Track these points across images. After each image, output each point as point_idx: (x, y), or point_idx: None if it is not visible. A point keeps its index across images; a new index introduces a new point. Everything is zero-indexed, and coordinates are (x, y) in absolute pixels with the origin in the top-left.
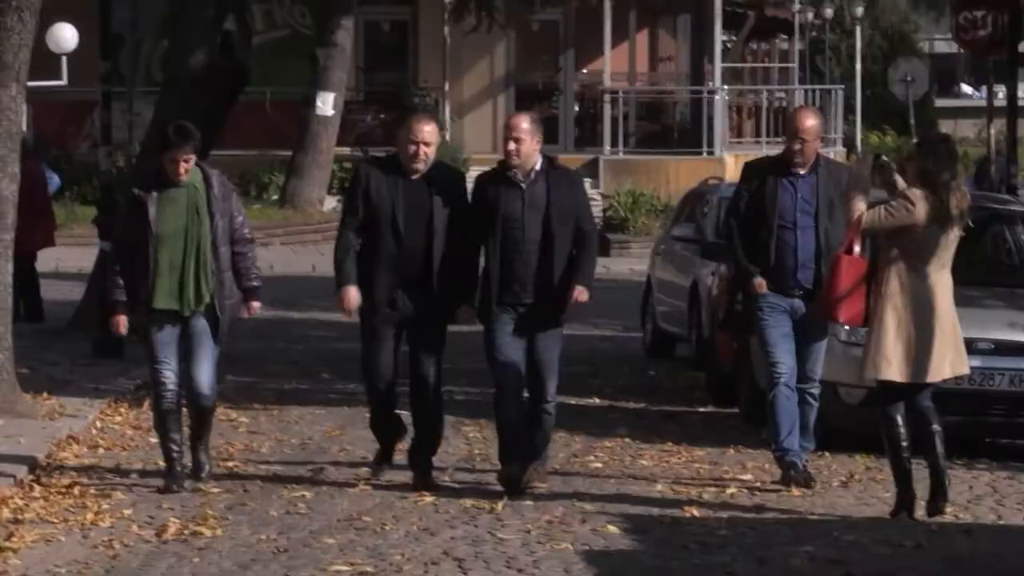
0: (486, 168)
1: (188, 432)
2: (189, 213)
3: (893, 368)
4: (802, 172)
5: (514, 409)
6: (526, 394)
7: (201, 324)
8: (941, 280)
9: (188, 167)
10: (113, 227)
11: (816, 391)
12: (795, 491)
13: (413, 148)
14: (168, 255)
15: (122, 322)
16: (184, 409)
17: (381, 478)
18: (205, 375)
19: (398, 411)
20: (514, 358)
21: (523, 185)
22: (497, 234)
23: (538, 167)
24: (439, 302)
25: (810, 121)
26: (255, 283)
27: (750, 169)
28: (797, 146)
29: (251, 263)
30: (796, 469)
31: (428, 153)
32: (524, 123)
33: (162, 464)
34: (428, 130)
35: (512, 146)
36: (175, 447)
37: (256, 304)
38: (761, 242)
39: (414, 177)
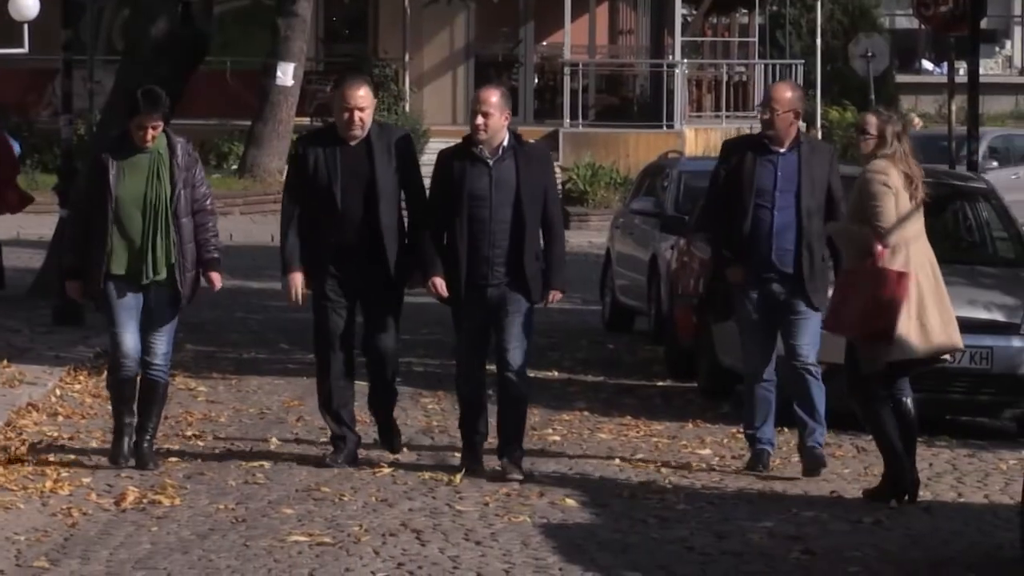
0: (446, 140)
1: (136, 416)
2: (150, 179)
3: (913, 345)
4: (781, 150)
5: (476, 396)
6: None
7: (161, 295)
8: (928, 247)
9: (155, 134)
10: (72, 193)
11: (813, 367)
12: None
13: (347, 115)
14: (127, 221)
15: (77, 288)
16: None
17: (336, 464)
18: (160, 347)
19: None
20: (480, 352)
21: (490, 162)
22: (463, 213)
23: (506, 143)
24: (390, 270)
25: (785, 92)
26: (215, 255)
27: (728, 147)
28: (766, 115)
29: (211, 235)
30: (762, 461)
31: (363, 119)
32: (494, 96)
33: None
34: (361, 94)
35: (480, 120)
36: (127, 418)
37: (216, 276)
38: (736, 223)
39: (352, 144)
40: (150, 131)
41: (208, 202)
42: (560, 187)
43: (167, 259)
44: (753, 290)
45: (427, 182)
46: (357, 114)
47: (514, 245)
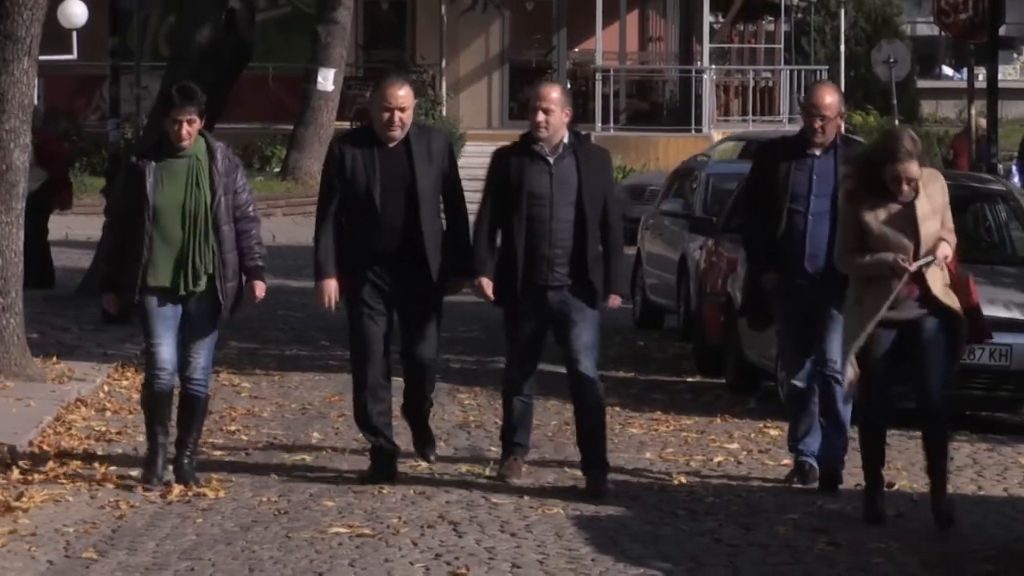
0: (482, 144)
1: (175, 431)
2: (189, 185)
3: None
4: (819, 153)
5: (521, 406)
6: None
7: (201, 307)
8: None
9: (192, 131)
10: (109, 200)
11: (840, 375)
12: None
13: (387, 115)
14: (165, 229)
15: (112, 301)
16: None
17: (378, 480)
18: (200, 360)
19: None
20: (534, 355)
21: (550, 159)
22: (521, 212)
23: (566, 141)
24: (431, 276)
25: (830, 97)
26: (259, 263)
27: (763, 150)
28: (818, 123)
29: (255, 242)
30: (804, 473)
31: (404, 119)
32: (554, 92)
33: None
34: (402, 94)
35: (540, 117)
36: (161, 436)
37: (260, 285)
38: (770, 227)
39: (391, 145)
40: (185, 126)
41: (251, 208)
42: None
43: (207, 269)
44: (788, 296)
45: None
46: (398, 115)
47: (577, 245)
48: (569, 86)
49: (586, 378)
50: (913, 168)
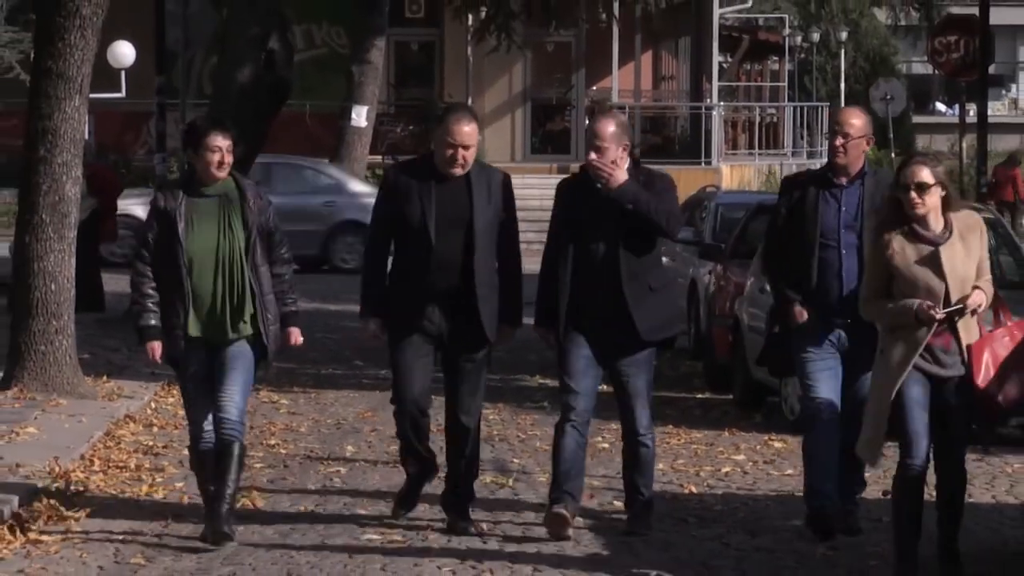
0: None
1: (212, 484)
2: (221, 227)
3: None
4: (845, 183)
5: (573, 443)
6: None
7: (236, 349)
8: None
9: (227, 161)
10: (132, 246)
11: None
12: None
13: (451, 152)
14: (199, 277)
15: (157, 350)
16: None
17: (401, 520)
18: (234, 405)
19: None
20: (589, 382)
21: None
22: (581, 248)
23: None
24: (481, 322)
25: (857, 117)
26: (293, 308)
27: (789, 183)
28: (839, 140)
29: (288, 286)
30: (819, 523)
31: (467, 157)
32: (609, 128)
33: None
34: (468, 131)
35: (593, 156)
36: (213, 489)
37: (296, 332)
38: (801, 264)
39: (451, 180)
40: (223, 154)
41: (283, 251)
42: None
43: (245, 316)
44: (819, 333)
45: None
46: (461, 152)
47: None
48: (587, 121)
49: (642, 433)
50: (923, 172)
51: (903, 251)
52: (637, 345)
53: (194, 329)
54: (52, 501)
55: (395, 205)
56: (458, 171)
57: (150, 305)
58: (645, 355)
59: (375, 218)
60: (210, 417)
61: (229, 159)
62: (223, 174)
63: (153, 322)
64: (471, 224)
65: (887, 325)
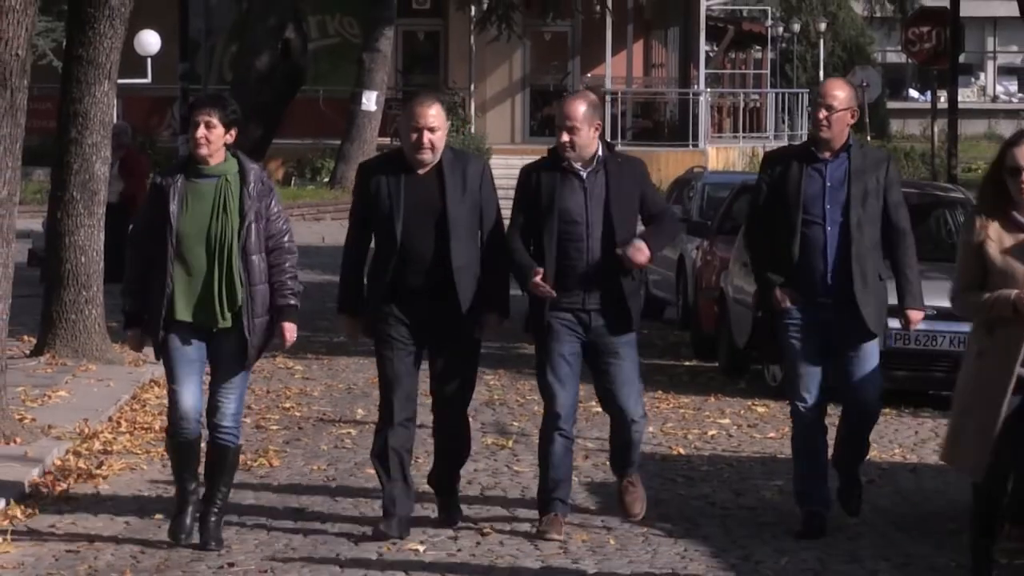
0: (507, 157)
1: (203, 486)
2: (215, 209)
3: None
4: (829, 157)
5: (560, 447)
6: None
7: (229, 345)
8: None
9: (211, 137)
10: (133, 225)
11: (876, 410)
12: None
13: (415, 136)
14: (190, 259)
15: (135, 338)
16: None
17: (391, 534)
18: (229, 405)
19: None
20: (570, 383)
21: (583, 174)
22: (553, 231)
23: (600, 154)
24: (464, 315)
25: (841, 89)
26: (291, 300)
27: (770, 159)
28: (823, 113)
29: (288, 276)
30: (815, 526)
31: (434, 141)
32: (580, 108)
33: None
34: (433, 113)
35: (565, 138)
36: (190, 485)
37: (290, 327)
38: (783, 242)
39: (421, 171)
40: (202, 128)
41: (286, 239)
42: None
43: (233, 304)
44: (802, 315)
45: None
46: (427, 136)
47: (609, 263)
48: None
49: (631, 421)
50: None
51: (999, 239)
52: (624, 330)
53: (183, 313)
54: (82, 460)
55: (366, 202)
56: (426, 155)
57: (137, 289)
58: (631, 339)
59: (351, 215)
60: (191, 404)
61: (218, 135)
62: (205, 151)
63: (131, 308)
64: (444, 216)
65: (984, 321)
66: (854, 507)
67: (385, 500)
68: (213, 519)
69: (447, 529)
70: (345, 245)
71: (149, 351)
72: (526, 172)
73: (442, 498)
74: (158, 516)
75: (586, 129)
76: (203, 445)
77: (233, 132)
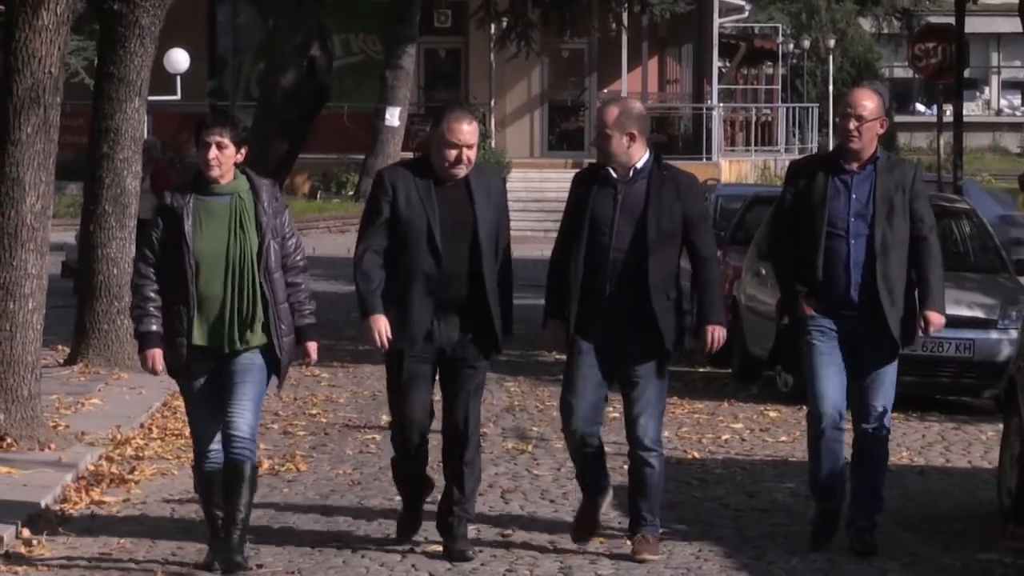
0: (526, 171)
1: (222, 509)
2: (232, 228)
3: None
4: (856, 169)
5: (591, 458)
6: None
7: (246, 360)
8: None
9: (222, 158)
10: (139, 245)
11: (885, 431)
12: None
13: (454, 152)
14: (206, 281)
15: (157, 359)
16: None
17: (408, 543)
18: (244, 421)
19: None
20: (591, 396)
21: (618, 184)
22: (582, 240)
23: (639, 165)
24: (484, 333)
25: (871, 99)
26: (310, 320)
27: (796, 168)
28: (852, 124)
29: (304, 296)
30: (826, 524)
31: (471, 157)
32: (613, 114)
33: None
34: (469, 129)
35: (597, 145)
36: (220, 513)
37: (313, 346)
38: (808, 254)
39: (450, 184)
40: (213, 149)
41: (299, 257)
42: None
43: (254, 325)
44: (826, 322)
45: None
46: (465, 152)
47: (638, 280)
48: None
49: (640, 442)
50: None
51: None
52: (651, 355)
53: (200, 337)
54: (114, 466)
55: (394, 208)
56: (462, 171)
57: (151, 310)
58: (658, 363)
59: (369, 219)
60: (217, 435)
61: (230, 155)
62: (220, 171)
63: (154, 328)
64: (475, 230)
65: None
66: (868, 545)
67: (406, 511)
68: (236, 538)
69: (468, 528)
70: (360, 255)
71: (150, 382)
72: (576, 178)
73: (450, 540)
74: (189, 519)
75: (618, 136)
76: None
77: (243, 151)
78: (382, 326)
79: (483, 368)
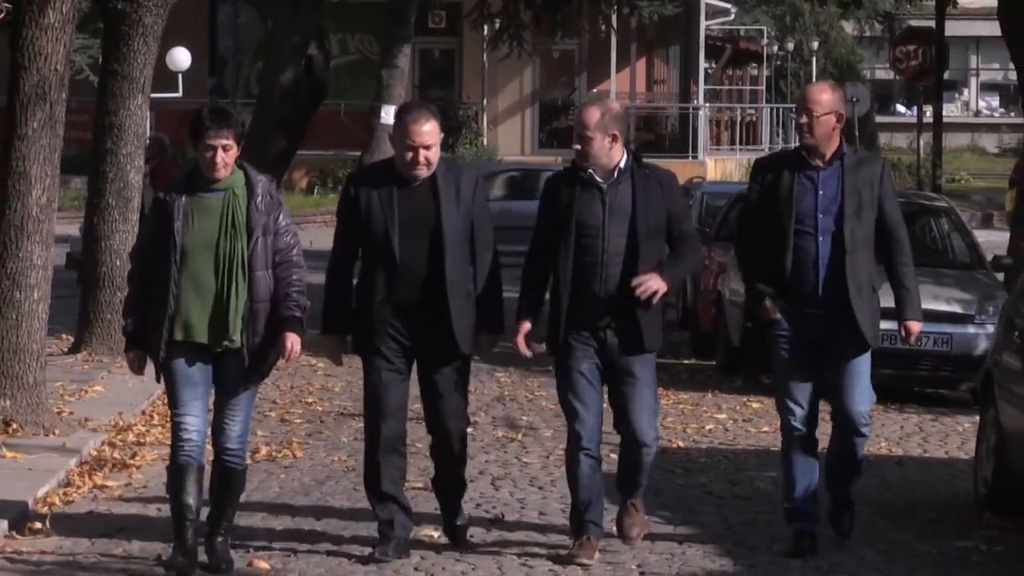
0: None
1: (208, 512)
2: (224, 224)
3: None
4: (822, 164)
5: (587, 467)
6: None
7: (234, 364)
8: None
9: (228, 160)
10: (137, 240)
11: (865, 426)
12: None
13: (411, 154)
14: (195, 275)
15: (135, 359)
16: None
17: (385, 559)
18: (235, 427)
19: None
20: (591, 400)
21: (603, 186)
22: (570, 244)
23: (622, 165)
24: (456, 332)
25: (823, 92)
26: (296, 313)
27: (761, 165)
28: (803, 119)
29: (295, 290)
30: (803, 546)
31: (430, 157)
32: (595, 116)
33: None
34: (428, 130)
35: (578, 147)
36: (189, 513)
37: (292, 339)
38: (775, 252)
39: (416, 184)
40: (220, 153)
41: (294, 253)
42: None
43: (240, 323)
44: (792, 328)
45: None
46: (423, 153)
47: (627, 280)
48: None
49: (641, 444)
50: None
51: None
52: (639, 351)
53: (188, 333)
54: (116, 451)
55: (356, 216)
56: (422, 172)
57: (138, 308)
58: (648, 359)
59: (337, 230)
60: (196, 427)
61: (233, 155)
62: (226, 172)
63: (140, 330)
64: (438, 230)
65: None
66: (846, 528)
67: (381, 525)
68: (220, 540)
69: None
70: (331, 264)
71: (150, 371)
72: (548, 182)
73: (445, 505)
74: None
75: (600, 138)
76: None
77: (240, 146)
78: (336, 346)
79: (456, 368)
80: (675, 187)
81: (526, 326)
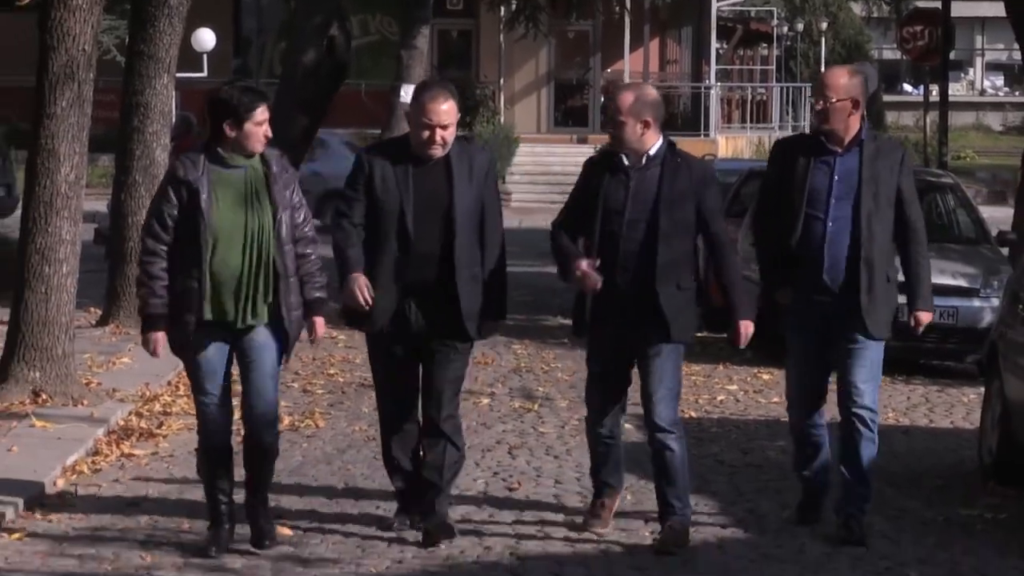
0: (532, 145)
1: (245, 487)
2: (249, 201)
3: None
4: (839, 150)
5: (603, 447)
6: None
7: (260, 338)
8: None
9: (269, 133)
10: (146, 221)
11: (868, 413)
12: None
13: (427, 133)
14: (223, 253)
15: (159, 341)
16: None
17: (404, 527)
18: (263, 401)
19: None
20: (613, 385)
21: (630, 171)
22: (595, 228)
23: (652, 152)
24: (463, 316)
25: (840, 78)
26: (319, 294)
27: (779, 148)
28: (820, 104)
29: (315, 267)
30: (808, 507)
31: (446, 137)
32: (627, 100)
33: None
34: (445, 109)
35: (611, 131)
36: (224, 496)
37: (320, 322)
38: (784, 233)
39: (431, 163)
40: (266, 126)
41: (308, 228)
42: None
43: (267, 298)
44: (803, 314)
45: (517, 180)
46: (439, 132)
47: (649, 268)
48: (602, 99)
49: (654, 421)
50: None
51: None
52: (662, 339)
53: (212, 312)
54: (143, 421)
55: (369, 189)
56: (437, 151)
57: (157, 289)
58: (673, 346)
59: (346, 197)
60: (222, 412)
61: (268, 131)
62: (263, 147)
63: (158, 310)
64: (450, 210)
65: None
66: (856, 535)
67: (398, 495)
68: (262, 512)
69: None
70: (338, 227)
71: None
72: (587, 163)
73: (427, 520)
74: None
75: (632, 123)
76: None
77: None
78: (362, 283)
79: (462, 351)
80: (708, 179)
81: (583, 263)
